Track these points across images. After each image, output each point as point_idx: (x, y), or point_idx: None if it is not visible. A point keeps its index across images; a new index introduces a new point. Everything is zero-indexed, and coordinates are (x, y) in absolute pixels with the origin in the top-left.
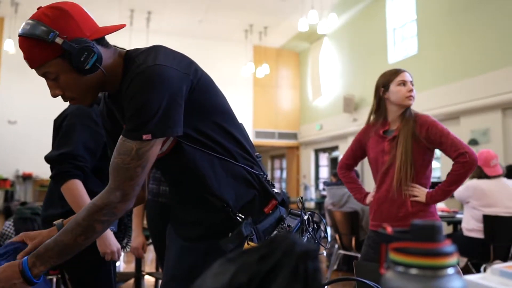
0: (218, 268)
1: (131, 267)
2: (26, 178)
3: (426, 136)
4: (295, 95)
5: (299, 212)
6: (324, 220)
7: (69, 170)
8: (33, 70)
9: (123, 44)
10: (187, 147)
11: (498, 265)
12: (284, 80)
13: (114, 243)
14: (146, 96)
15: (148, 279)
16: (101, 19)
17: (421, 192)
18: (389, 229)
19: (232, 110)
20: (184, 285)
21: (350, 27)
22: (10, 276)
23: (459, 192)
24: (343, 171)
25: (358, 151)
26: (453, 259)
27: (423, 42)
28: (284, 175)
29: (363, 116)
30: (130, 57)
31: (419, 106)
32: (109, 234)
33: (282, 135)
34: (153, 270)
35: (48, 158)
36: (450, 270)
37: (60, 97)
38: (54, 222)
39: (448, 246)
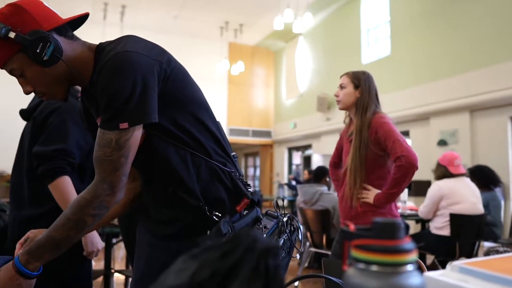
0: (180, 264)
1: (100, 265)
2: None
3: (375, 138)
4: (270, 93)
5: (276, 214)
6: (299, 224)
7: (62, 167)
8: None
9: (97, 38)
10: (159, 140)
11: (458, 262)
12: (259, 78)
13: (99, 242)
14: (117, 84)
15: (118, 277)
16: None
17: (371, 194)
18: (351, 227)
19: (209, 105)
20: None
21: (325, 27)
22: (11, 280)
23: (431, 194)
24: (331, 169)
25: (340, 150)
26: (413, 256)
27: (396, 43)
28: (258, 173)
29: (336, 116)
30: (100, 48)
31: (391, 106)
32: (95, 233)
33: (256, 133)
34: (123, 267)
35: (40, 153)
36: (410, 267)
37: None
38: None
39: (407, 243)
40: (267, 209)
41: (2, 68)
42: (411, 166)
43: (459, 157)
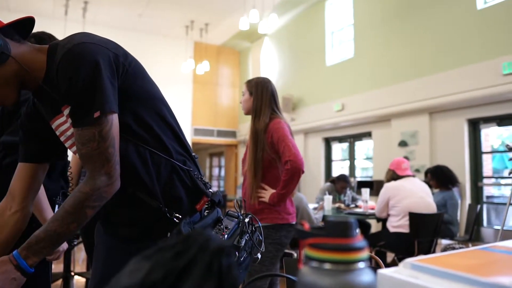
0: (133, 265)
1: (60, 267)
2: None
3: (271, 142)
4: (235, 93)
5: (237, 214)
6: (260, 223)
7: None
8: None
9: (58, 35)
10: (120, 138)
11: (411, 259)
12: (224, 78)
13: (64, 243)
14: (81, 76)
15: (79, 280)
16: (34, 8)
17: (267, 194)
18: (306, 226)
19: (167, 102)
20: None
21: (290, 28)
22: (7, 273)
23: (381, 195)
24: (243, 168)
25: None
26: (364, 253)
27: (359, 46)
28: (223, 173)
29: (300, 116)
30: (52, 46)
31: (354, 108)
32: None
33: (221, 133)
34: (84, 270)
35: (10, 143)
36: (361, 264)
37: None
38: None
39: (359, 241)
40: (229, 209)
41: None
42: (297, 170)
43: (406, 162)
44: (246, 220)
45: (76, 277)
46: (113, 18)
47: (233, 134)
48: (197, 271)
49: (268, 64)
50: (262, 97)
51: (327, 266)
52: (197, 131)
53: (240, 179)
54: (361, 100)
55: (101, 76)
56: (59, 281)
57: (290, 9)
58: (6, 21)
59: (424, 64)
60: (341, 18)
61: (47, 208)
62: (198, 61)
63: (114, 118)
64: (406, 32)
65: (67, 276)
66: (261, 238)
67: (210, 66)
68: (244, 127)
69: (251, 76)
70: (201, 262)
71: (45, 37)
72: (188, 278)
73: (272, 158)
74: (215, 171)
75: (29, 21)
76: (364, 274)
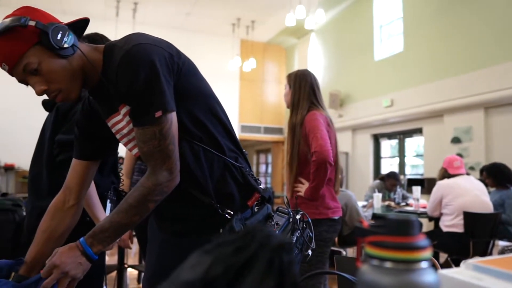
0: (194, 260)
1: (114, 260)
2: (8, 169)
3: (305, 135)
4: (281, 90)
5: (287, 210)
6: (309, 219)
7: None
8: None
9: (109, 35)
10: None
11: (473, 260)
12: (270, 75)
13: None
14: (140, 76)
15: (131, 272)
16: (87, 10)
17: (303, 188)
18: (365, 223)
19: (218, 99)
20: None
21: (337, 23)
22: (74, 257)
23: (433, 193)
24: None
25: None
26: (427, 253)
27: (409, 40)
28: (270, 169)
29: (348, 112)
30: (109, 47)
31: (404, 103)
32: None
33: (267, 130)
34: (136, 262)
35: (63, 141)
36: (424, 264)
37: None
38: (12, 279)
39: (422, 240)
40: (279, 206)
41: (13, 69)
42: (322, 161)
43: (459, 159)
44: (298, 217)
45: (129, 269)
46: (161, 17)
47: (279, 130)
48: (258, 267)
49: (315, 60)
50: (300, 90)
51: (388, 264)
52: (244, 128)
53: None
54: (411, 95)
55: (159, 76)
56: (114, 273)
57: (337, 4)
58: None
59: (479, 56)
60: (389, 11)
61: (97, 203)
62: (244, 59)
63: (174, 117)
64: (459, 23)
65: (121, 268)
66: (311, 235)
67: (257, 63)
68: None
69: None
70: (262, 258)
71: (97, 38)
72: (249, 274)
73: (306, 153)
74: (262, 167)
75: (84, 22)
76: (427, 274)
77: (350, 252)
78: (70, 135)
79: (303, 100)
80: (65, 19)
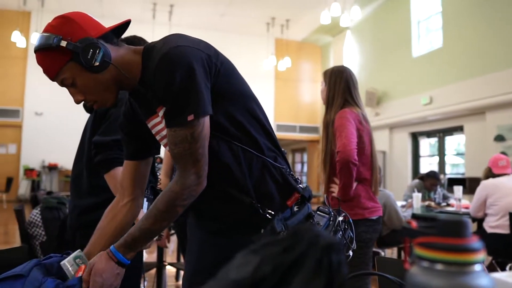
0: (241, 259)
1: (153, 257)
2: (52, 168)
3: (334, 133)
4: (316, 89)
5: (328, 210)
6: (351, 220)
7: (119, 157)
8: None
9: (146, 38)
10: (212, 136)
11: None
12: (305, 74)
13: None
14: (177, 79)
15: (170, 269)
16: (124, 13)
17: (337, 188)
18: (413, 224)
19: (257, 98)
20: (207, 279)
21: (373, 20)
22: (112, 270)
23: (477, 193)
24: None
25: None
26: (481, 255)
27: (448, 35)
28: (305, 169)
29: (385, 110)
30: (148, 49)
31: (444, 100)
32: None
33: (303, 129)
34: (174, 260)
35: (99, 142)
36: (477, 267)
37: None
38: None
39: (475, 242)
40: (319, 205)
41: (53, 80)
42: (345, 161)
43: (505, 158)
44: (340, 218)
45: (168, 267)
46: (197, 19)
47: (315, 129)
48: (306, 267)
49: (351, 58)
50: (335, 86)
51: (439, 266)
52: (279, 127)
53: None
54: (451, 92)
55: (196, 79)
56: (153, 270)
57: (373, 0)
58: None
59: None
60: (427, 6)
61: None
62: (279, 58)
63: (206, 120)
64: (499, 16)
65: (160, 266)
66: (352, 235)
67: (292, 62)
68: None
69: None
70: (311, 258)
71: (136, 41)
72: (298, 273)
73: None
74: (298, 167)
75: (125, 24)
76: (481, 277)
77: (389, 253)
78: (106, 137)
79: (337, 97)
80: (104, 23)
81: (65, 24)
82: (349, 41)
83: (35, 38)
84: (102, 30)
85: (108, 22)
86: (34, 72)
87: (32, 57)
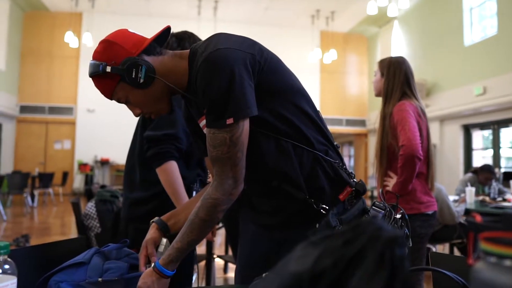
0: (300, 251)
1: (202, 250)
2: (104, 163)
3: (393, 126)
4: (364, 81)
5: (383, 205)
6: (406, 216)
7: (170, 151)
8: None
9: None
10: (260, 135)
11: None
12: (351, 66)
13: None
14: (216, 82)
15: (218, 262)
16: (170, 11)
17: (392, 182)
18: (478, 218)
19: (306, 92)
20: (259, 272)
21: (421, 8)
22: (164, 285)
23: None
24: None
25: None
26: None
27: (504, 21)
28: (352, 162)
29: (435, 102)
30: (193, 52)
31: (500, 91)
32: None
33: (349, 122)
34: (222, 253)
35: (151, 137)
36: None
37: None
38: (153, 220)
39: None
40: (374, 200)
41: (111, 99)
42: (410, 156)
43: None
44: (398, 216)
45: (216, 259)
46: (241, 14)
47: (362, 122)
48: (368, 260)
49: (398, 48)
50: (394, 78)
51: (508, 262)
52: (325, 121)
53: (371, 169)
54: (507, 81)
55: (236, 82)
56: (202, 263)
57: None
58: (147, 26)
59: None
60: None
61: (182, 192)
62: (325, 50)
63: (246, 124)
64: None
65: (209, 259)
66: (407, 232)
67: (337, 55)
68: (374, 115)
69: None
70: (373, 251)
71: (185, 37)
72: (359, 267)
73: (394, 145)
74: (345, 160)
75: (167, 30)
76: None
77: (440, 248)
78: (156, 131)
79: (396, 89)
80: (151, 21)
81: (107, 49)
82: (397, 31)
83: (87, 38)
84: (142, 45)
85: (155, 20)
86: (86, 71)
87: (83, 57)
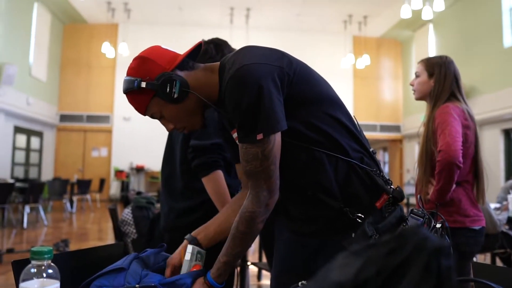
0: (342, 260)
1: None
2: (139, 170)
3: (434, 130)
4: (398, 85)
5: (422, 212)
6: (447, 224)
7: (218, 161)
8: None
9: None
10: (293, 146)
11: None
12: (385, 71)
13: None
14: (244, 99)
15: (252, 269)
16: (203, 19)
17: (432, 190)
18: None
19: (340, 98)
20: (295, 280)
21: (458, 11)
22: None
23: None
24: None
25: None
26: None
27: None
28: (387, 169)
29: (473, 106)
30: (222, 67)
31: None
32: None
33: (384, 128)
34: (256, 260)
35: (199, 146)
36: None
37: None
38: (186, 237)
39: None
40: (412, 208)
41: (144, 115)
42: (447, 162)
43: None
44: (438, 225)
45: (250, 266)
46: (272, 20)
47: (397, 128)
48: (413, 271)
49: (434, 51)
50: (444, 80)
51: None
52: None
53: (406, 176)
54: None
55: (264, 98)
56: (237, 270)
57: None
58: (180, 35)
59: None
60: None
61: (228, 201)
62: (357, 55)
63: (277, 137)
64: None
65: (243, 266)
66: (448, 241)
67: (371, 60)
68: (409, 121)
69: (414, 66)
70: (418, 261)
71: (221, 43)
72: (404, 278)
73: (433, 150)
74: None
75: (199, 45)
76: None
77: (481, 258)
78: (203, 141)
79: (444, 91)
80: (184, 30)
81: (142, 65)
82: (432, 34)
83: (123, 48)
84: (176, 60)
85: (188, 29)
86: (122, 80)
87: (119, 66)
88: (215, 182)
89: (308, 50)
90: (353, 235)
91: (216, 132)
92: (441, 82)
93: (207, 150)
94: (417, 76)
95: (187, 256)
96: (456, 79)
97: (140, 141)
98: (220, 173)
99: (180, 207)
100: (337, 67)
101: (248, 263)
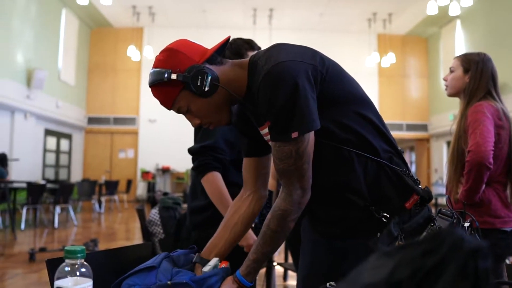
0: (374, 262)
1: None
2: (165, 171)
3: (465, 129)
4: (424, 83)
5: (450, 212)
6: (477, 224)
7: (209, 162)
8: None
9: None
10: (323, 145)
11: None
12: (411, 69)
13: (253, 237)
14: (280, 97)
15: (278, 269)
16: (227, 21)
17: (461, 190)
18: None
19: (369, 98)
20: (322, 281)
21: (486, 5)
22: None
23: None
24: None
25: None
26: None
27: None
28: (414, 169)
29: (506, 104)
30: (252, 63)
31: None
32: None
33: (410, 127)
34: (282, 260)
35: (190, 150)
36: None
37: None
38: (195, 260)
39: None
40: (440, 208)
41: (171, 109)
42: (476, 163)
43: None
44: (466, 224)
45: (276, 266)
46: (296, 21)
47: (423, 127)
48: (449, 272)
49: (462, 48)
50: (480, 77)
51: None
52: None
53: (434, 176)
54: None
55: (300, 96)
56: (262, 271)
57: None
58: (204, 37)
59: None
60: None
61: (226, 202)
62: (382, 54)
63: (311, 136)
64: None
65: (269, 266)
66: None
67: (396, 58)
68: (436, 120)
69: (442, 64)
70: (454, 263)
71: (248, 41)
72: (439, 279)
73: (463, 149)
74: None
75: (227, 40)
76: None
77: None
78: (196, 144)
79: (480, 89)
80: (209, 32)
81: (171, 57)
82: (459, 31)
83: (148, 51)
84: (205, 54)
85: (212, 31)
86: (147, 83)
87: (145, 69)
88: (210, 184)
89: (331, 50)
90: (378, 234)
91: (208, 134)
92: (476, 79)
93: (198, 153)
94: (451, 71)
95: (206, 268)
96: (493, 77)
97: (165, 143)
98: (214, 175)
99: (194, 205)
100: (362, 66)
101: (274, 263)
